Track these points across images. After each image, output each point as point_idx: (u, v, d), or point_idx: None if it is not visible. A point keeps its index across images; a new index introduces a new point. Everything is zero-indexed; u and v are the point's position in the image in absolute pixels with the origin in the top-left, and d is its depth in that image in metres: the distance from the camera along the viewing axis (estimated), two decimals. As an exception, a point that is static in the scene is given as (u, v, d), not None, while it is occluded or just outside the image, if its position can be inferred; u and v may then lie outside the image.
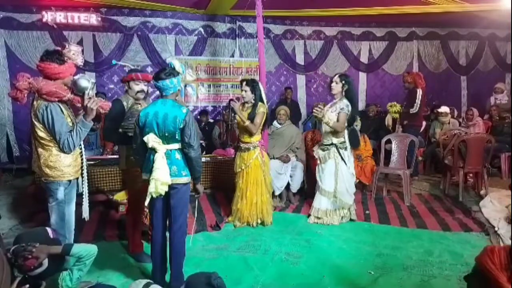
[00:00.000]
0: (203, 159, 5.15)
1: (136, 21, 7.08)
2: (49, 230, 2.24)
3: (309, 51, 8.12)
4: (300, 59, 8.08)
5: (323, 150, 4.17)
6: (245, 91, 3.93)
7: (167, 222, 2.79)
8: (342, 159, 4.08)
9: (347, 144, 4.11)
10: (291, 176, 4.83)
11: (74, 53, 2.60)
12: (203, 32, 7.48)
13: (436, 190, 5.48)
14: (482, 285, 1.30)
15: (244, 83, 3.96)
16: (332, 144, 4.09)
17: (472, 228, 4.05)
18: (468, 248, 3.53)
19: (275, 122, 5.27)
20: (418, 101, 5.70)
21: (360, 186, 5.35)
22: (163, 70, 2.68)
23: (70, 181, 2.63)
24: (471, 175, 5.48)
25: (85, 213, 2.83)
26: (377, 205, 4.81)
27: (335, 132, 4.05)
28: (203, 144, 5.92)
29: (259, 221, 4.07)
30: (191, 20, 7.38)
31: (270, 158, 4.98)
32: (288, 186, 4.87)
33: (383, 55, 8.31)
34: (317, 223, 4.16)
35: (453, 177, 5.40)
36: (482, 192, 5.10)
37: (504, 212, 4.26)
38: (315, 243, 3.63)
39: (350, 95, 4.08)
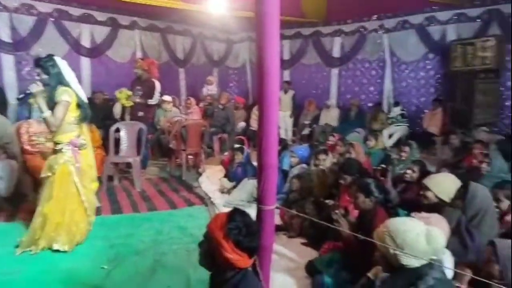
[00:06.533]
0: None
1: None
2: None
3: (17, 27, 6.82)
4: (5, 35, 6.66)
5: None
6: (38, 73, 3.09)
7: None
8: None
9: None
10: None
11: None
12: None
13: (164, 173, 5.93)
14: (208, 246, 1.53)
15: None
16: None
17: (195, 202, 4.64)
18: (192, 220, 3.99)
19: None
20: (157, 93, 5.75)
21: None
22: None
23: None
24: (191, 156, 6.24)
25: None
26: (109, 196, 4.70)
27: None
28: None
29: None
30: None
31: None
32: None
33: (106, 41, 8.05)
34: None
35: (177, 159, 5.99)
36: (200, 170, 5.94)
37: (218, 185, 5.12)
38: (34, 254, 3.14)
39: None
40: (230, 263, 1.49)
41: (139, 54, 8.33)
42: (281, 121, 8.12)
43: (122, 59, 8.28)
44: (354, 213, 2.97)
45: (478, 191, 2.63)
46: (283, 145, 5.49)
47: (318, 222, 2.75)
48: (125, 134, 5.31)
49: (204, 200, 4.73)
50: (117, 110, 6.71)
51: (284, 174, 4.70)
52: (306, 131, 8.17)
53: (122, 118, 6.11)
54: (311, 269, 2.77)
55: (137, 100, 5.64)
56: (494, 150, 4.71)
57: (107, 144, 5.25)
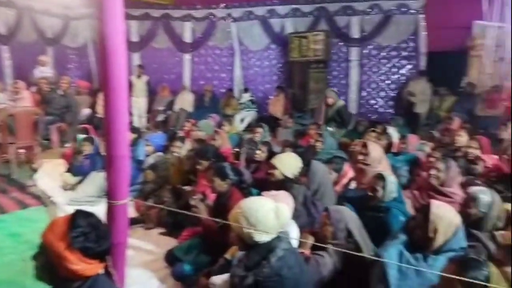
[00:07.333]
0: None
1: None
2: None
3: None
4: None
5: None
6: None
7: None
8: None
9: None
10: None
11: None
12: None
13: (-15, 172, 4.91)
14: (47, 259, 1.29)
15: None
16: None
17: (30, 203, 4.03)
18: (27, 225, 3.48)
19: None
20: None
21: None
22: None
23: None
24: (23, 150, 5.33)
25: None
26: None
27: None
28: None
29: None
30: None
31: None
32: None
33: None
34: None
35: (4, 154, 5.06)
36: (35, 165, 5.14)
37: (59, 181, 4.52)
38: None
39: None
40: (77, 274, 1.29)
41: None
42: (135, 108, 7.72)
43: None
44: (212, 196, 3.04)
45: (317, 167, 3.02)
46: (137, 133, 5.20)
47: (176, 210, 2.72)
48: None
49: (42, 199, 4.13)
50: None
51: (139, 163, 4.46)
52: (160, 118, 7.92)
53: None
54: (171, 258, 2.72)
55: None
56: (325, 130, 5.50)
57: None
